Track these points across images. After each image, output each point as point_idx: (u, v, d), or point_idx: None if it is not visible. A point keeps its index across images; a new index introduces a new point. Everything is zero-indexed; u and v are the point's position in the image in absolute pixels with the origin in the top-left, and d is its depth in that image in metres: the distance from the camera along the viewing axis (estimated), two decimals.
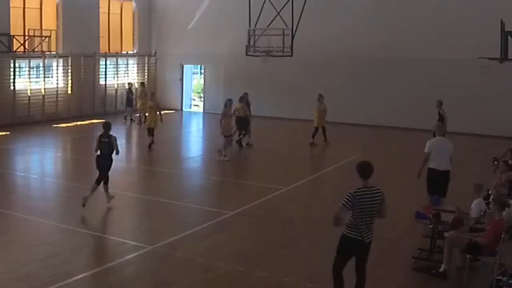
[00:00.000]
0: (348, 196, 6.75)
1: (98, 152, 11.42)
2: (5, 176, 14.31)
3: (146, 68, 28.71)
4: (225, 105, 17.18)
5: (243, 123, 18.24)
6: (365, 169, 6.87)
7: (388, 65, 22.96)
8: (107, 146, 11.28)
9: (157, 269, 8.52)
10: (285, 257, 9.22)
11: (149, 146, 17.73)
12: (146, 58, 28.66)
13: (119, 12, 27.46)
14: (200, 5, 27.12)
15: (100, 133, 11.42)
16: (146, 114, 19.30)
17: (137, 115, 23.43)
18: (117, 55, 26.92)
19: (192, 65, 29.37)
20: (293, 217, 11.44)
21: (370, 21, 23.10)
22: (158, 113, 18.02)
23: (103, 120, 12.39)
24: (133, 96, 24.53)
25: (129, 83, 25.20)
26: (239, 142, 18.40)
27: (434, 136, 11.08)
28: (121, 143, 20.47)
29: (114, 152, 11.30)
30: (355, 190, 6.80)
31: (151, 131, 17.78)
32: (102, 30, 26.18)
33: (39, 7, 23.65)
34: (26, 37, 22.63)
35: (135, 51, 28.28)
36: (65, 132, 21.37)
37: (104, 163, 11.40)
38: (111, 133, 11.32)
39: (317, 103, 19.31)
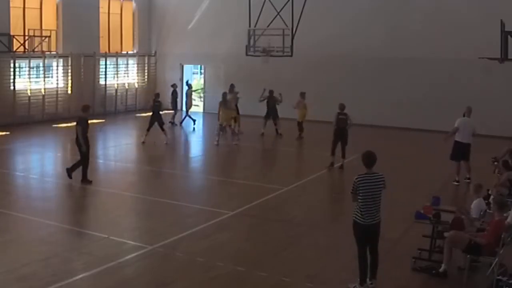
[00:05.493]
0: (353, 183, 7.50)
1: None
2: (5, 176, 14.31)
3: (146, 68, 28.73)
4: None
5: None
6: (368, 158, 7.54)
7: (388, 65, 22.94)
8: None
9: (157, 269, 8.52)
10: (285, 257, 9.20)
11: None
12: (146, 58, 28.66)
13: (119, 12, 27.45)
14: (200, 5, 27.11)
15: None
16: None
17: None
18: (117, 55, 26.91)
19: (192, 65, 29.36)
20: (293, 217, 11.44)
21: (370, 21, 23.08)
22: None
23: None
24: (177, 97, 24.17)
25: (173, 84, 24.09)
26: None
27: (464, 115, 13.96)
28: (121, 143, 20.62)
29: None
30: (357, 176, 7.54)
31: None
32: (102, 30, 26.15)
33: (39, 7, 23.63)
34: (26, 37, 22.61)
35: (135, 51, 28.27)
36: (65, 132, 21.32)
37: None
38: None
39: (302, 100, 20.39)
